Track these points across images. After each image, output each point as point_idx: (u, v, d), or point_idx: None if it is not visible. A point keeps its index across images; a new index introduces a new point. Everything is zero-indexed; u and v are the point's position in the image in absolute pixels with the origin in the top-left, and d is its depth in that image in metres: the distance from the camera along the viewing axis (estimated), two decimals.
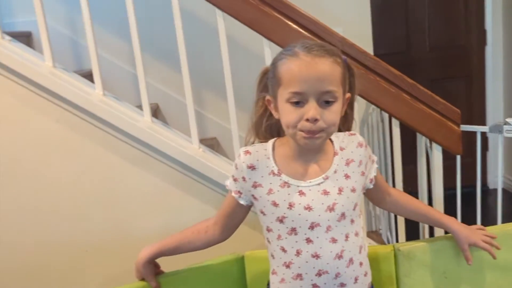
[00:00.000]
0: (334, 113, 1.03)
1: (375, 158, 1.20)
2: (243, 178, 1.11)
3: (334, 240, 1.07)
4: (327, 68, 1.01)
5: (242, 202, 1.15)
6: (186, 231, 1.24)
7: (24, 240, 1.78)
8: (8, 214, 1.76)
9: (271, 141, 1.14)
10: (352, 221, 1.10)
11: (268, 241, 1.14)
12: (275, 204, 1.08)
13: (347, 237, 1.08)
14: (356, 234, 1.11)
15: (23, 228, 1.77)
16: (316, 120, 0.99)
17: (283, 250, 1.09)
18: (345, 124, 1.19)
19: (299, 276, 1.08)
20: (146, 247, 1.25)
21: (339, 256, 1.07)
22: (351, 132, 1.17)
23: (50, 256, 1.79)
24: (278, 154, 1.11)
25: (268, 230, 1.12)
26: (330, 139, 1.13)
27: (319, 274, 1.07)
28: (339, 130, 1.17)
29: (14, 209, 1.76)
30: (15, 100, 1.69)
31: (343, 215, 1.08)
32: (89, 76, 2.25)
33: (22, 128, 1.72)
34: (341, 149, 1.12)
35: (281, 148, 1.12)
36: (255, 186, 1.10)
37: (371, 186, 1.18)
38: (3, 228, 1.76)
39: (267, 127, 1.18)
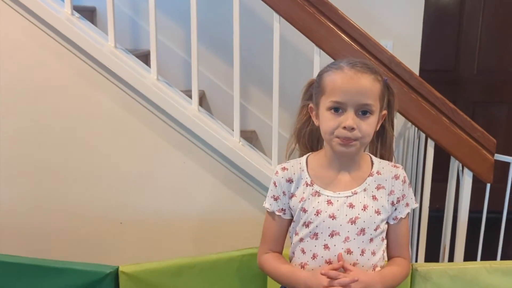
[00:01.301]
0: (369, 125, 1.11)
1: (413, 205, 1.22)
2: (284, 193, 1.20)
3: (349, 251, 1.15)
4: (367, 83, 1.10)
5: (287, 217, 1.22)
6: (281, 261, 1.23)
7: (66, 205, 1.91)
8: (55, 178, 1.89)
9: (305, 156, 1.23)
10: (371, 240, 1.16)
11: (292, 242, 1.23)
12: (304, 211, 1.17)
13: (363, 252, 1.15)
14: (373, 253, 1.17)
15: (66, 194, 1.90)
16: (352, 128, 1.08)
17: (303, 251, 1.18)
18: (383, 139, 1.26)
19: None
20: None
21: None
22: (396, 164, 1.23)
23: (90, 221, 1.91)
24: (312, 165, 1.20)
25: (295, 233, 1.21)
26: (372, 160, 1.20)
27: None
28: (376, 145, 1.25)
29: (62, 174, 1.88)
30: (77, 74, 1.80)
31: (362, 230, 1.15)
32: (143, 56, 2.37)
33: (80, 100, 1.83)
34: (378, 173, 1.19)
35: (315, 158, 1.21)
36: (291, 197, 1.19)
37: (391, 223, 1.21)
38: (48, 191, 1.90)
39: (309, 135, 1.27)
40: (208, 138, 1.80)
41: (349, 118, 1.08)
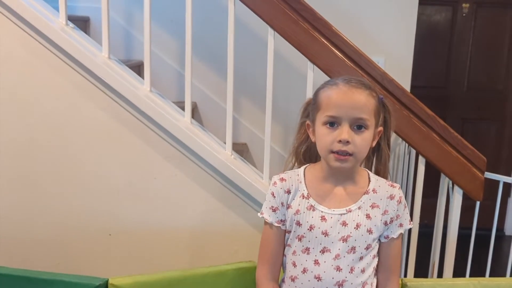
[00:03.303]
0: (364, 140, 1.12)
1: (407, 226, 1.22)
2: (282, 204, 1.20)
3: (338, 269, 1.15)
4: (361, 98, 1.12)
5: (285, 228, 1.22)
6: None
7: (55, 216, 1.89)
8: (44, 188, 1.87)
9: (302, 167, 1.24)
10: (361, 258, 1.16)
11: (285, 254, 1.23)
12: (298, 224, 1.18)
13: (352, 270, 1.15)
14: (363, 271, 1.17)
15: (56, 204, 1.88)
16: (347, 142, 1.09)
17: (294, 265, 1.19)
18: (378, 156, 1.27)
19: None
20: None
21: (339, 285, 1.15)
22: (393, 183, 1.22)
23: (78, 232, 1.89)
24: (309, 177, 1.21)
25: (288, 245, 1.22)
26: (369, 177, 1.21)
27: None
28: (372, 160, 1.26)
29: (51, 185, 1.87)
30: (70, 84, 1.79)
31: (353, 248, 1.15)
32: (136, 67, 2.37)
33: (72, 110, 1.82)
34: (374, 191, 1.19)
35: (312, 171, 1.22)
36: (287, 207, 1.20)
37: (382, 240, 1.20)
38: (37, 201, 1.88)
39: (305, 152, 1.29)
40: (200, 151, 1.80)
41: (344, 131, 1.10)
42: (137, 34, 2.65)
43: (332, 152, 1.11)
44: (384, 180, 1.23)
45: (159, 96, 1.86)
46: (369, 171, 1.25)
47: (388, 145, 1.26)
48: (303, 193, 1.19)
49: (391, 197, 1.19)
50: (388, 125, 1.24)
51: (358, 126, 1.11)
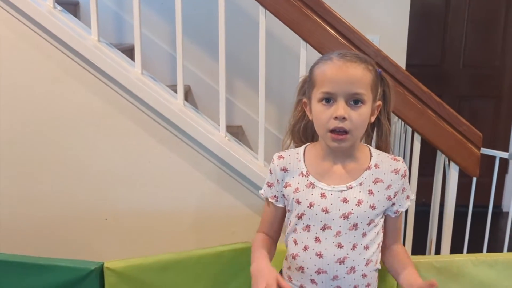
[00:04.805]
0: (361, 115, 1.09)
1: (412, 196, 1.22)
2: (277, 181, 1.21)
3: (340, 246, 1.14)
4: (357, 72, 1.09)
5: (279, 205, 1.24)
6: (263, 243, 1.24)
7: (50, 202, 1.88)
8: (38, 173, 1.86)
9: (303, 146, 1.23)
10: (364, 234, 1.15)
11: (287, 232, 1.23)
12: (298, 202, 1.17)
13: (354, 247, 1.14)
14: (366, 248, 1.15)
15: (50, 190, 1.87)
16: (344, 118, 1.07)
17: (295, 242, 1.19)
18: (378, 132, 1.25)
19: (301, 268, 1.18)
20: (268, 272, 1.10)
21: (341, 261, 1.14)
22: (396, 157, 1.20)
23: (74, 217, 1.89)
24: (309, 155, 1.20)
25: (289, 223, 1.21)
26: (370, 152, 1.19)
27: (318, 272, 1.15)
28: (372, 137, 1.25)
29: (45, 170, 1.86)
30: (59, 68, 1.77)
31: (355, 225, 1.14)
32: (128, 51, 2.34)
33: (62, 95, 1.80)
34: (376, 166, 1.17)
35: (312, 149, 1.21)
36: (285, 186, 1.19)
37: (392, 216, 1.20)
38: (32, 187, 1.87)
39: (303, 130, 1.27)
40: (194, 133, 1.79)
41: (340, 107, 1.07)
42: (128, 17, 2.61)
43: (330, 131, 1.09)
44: (386, 154, 1.21)
45: (151, 78, 1.84)
46: (370, 147, 1.22)
47: (389, 119, 1.24)
48: (302, 171, 1.18)
49: (396, 171, 1.17)
50: (388, 100, 1.21)
51: (355, 101, 1.08)
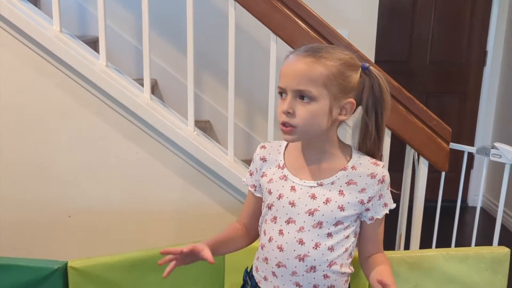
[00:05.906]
0: (309, 112, 1.05)
1: (391, 205, 1.17)
2: (256, 170, 1.22)
3: (301, 242, 1.11)
4: (301, 67, 1.05)
5: (258, 195, 1.24)
6: (227, 229, 1.25)
7: (10, 199, 1.81)
8: (0, 170, 1.78)
9: None
10: (329, 234, 1.11)
11: (260, 222, 1.22)
12: (269, 192, 1.16)
13: (317, 246, 1.11)
14: (331, 249, 1.12)
15: (10, 186, 1.80)
16: (288, 113, 1.06)
17: (264, 233, 1.18)
18: (361, 133, 1.15)
19: (265, 259, 1.16)
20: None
21: (301, 258, 1.12)
22: (377, 161, 1.15)
23: (36, 215, 1.82)
24: (290, 149, 1.20)
25: (262, 214, 1.21)
26: (351, 154, 1.15)
27: (278, 265, 1.14)
28: (357, 139, 1.16)
29: (3, 166, 1.78)
30: (20, 60, 1.71)
31: (320, 223, 1.11)
32: (92, 43, 2.27)
33: (24, 87, 1.73)
34: (353, 168, 1.13)
35: (295, 144, 1.18)
36: (262, 175, 1.20)
37: (368, 222, 1.16)
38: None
39: None
40: (161, 127, 1.74)
41: (286, 102, 1.06)
42: (92, 9, 2.55)
43: (281, 124, 1.09)
44: (368, 158, 1.15)
45: (116, 71, 1.78)
46: (353, 148, 1.18)
47: (381, 120, 1.13)
48: (279, 163, 1.18)
49: (372, 176, 1.12)
50: (378, 98, 1.11)
51: (301, 96, 1.06)
